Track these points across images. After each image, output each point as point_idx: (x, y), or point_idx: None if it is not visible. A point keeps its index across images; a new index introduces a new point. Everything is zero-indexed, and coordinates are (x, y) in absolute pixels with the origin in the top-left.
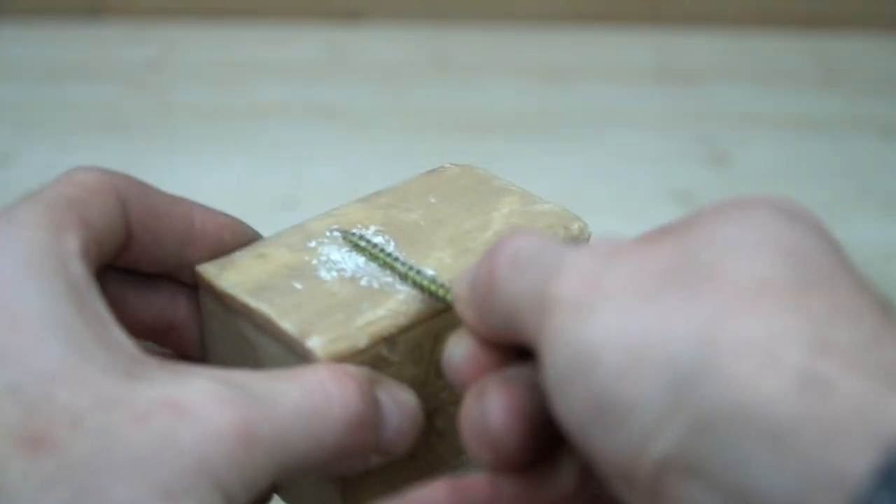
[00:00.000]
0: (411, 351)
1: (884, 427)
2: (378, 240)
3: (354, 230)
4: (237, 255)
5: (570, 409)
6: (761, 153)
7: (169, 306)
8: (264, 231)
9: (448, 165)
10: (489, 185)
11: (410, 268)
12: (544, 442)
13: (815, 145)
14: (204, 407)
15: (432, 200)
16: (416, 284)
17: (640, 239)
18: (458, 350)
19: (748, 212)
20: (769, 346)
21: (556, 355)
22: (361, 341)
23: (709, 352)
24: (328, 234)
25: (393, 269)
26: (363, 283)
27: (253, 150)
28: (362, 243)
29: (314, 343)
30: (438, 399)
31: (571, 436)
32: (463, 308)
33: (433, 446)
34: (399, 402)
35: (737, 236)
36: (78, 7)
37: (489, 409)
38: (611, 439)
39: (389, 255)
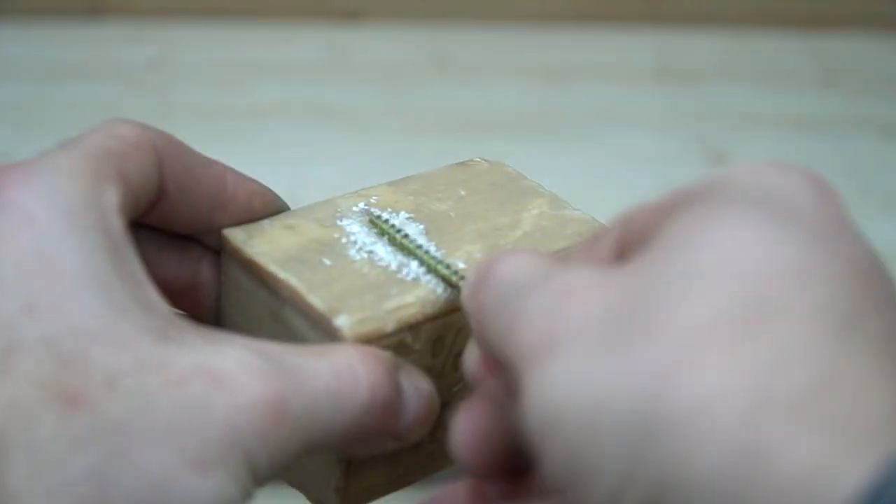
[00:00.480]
0: (433, 341)
1: (829, 494)
2: (409, 228)
3: (382, 213)
4: (265, 223)
5: (544, 464)
6: (761, 153)
7: (191, 268)
8: None
9: (477, 160)
10: (519, 184)
11: (433, 258)
12: (523, 456)
13: (815, 145)
14: (239, 376)
15: (462, 193)
16: (438, 275)
17: (595, 268)
18: (471, 354)
19: (712, 224)
20: (708, 410)
21: (531, 412)
22: (388, 325)
23: (655, 415)
24: (356, 211)
25: (416, 256)
26: (392, 267)
27: (253, 150)
28: (387, 227)
29: (342, 322)
30: (451, 392)
31: (551, 487)
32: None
33: (438, 438)
34: (419, 390)
35: (693, 264)
36: (78, 7)
37: (455, 429)
38: (582, 500)
39: (413, 241)
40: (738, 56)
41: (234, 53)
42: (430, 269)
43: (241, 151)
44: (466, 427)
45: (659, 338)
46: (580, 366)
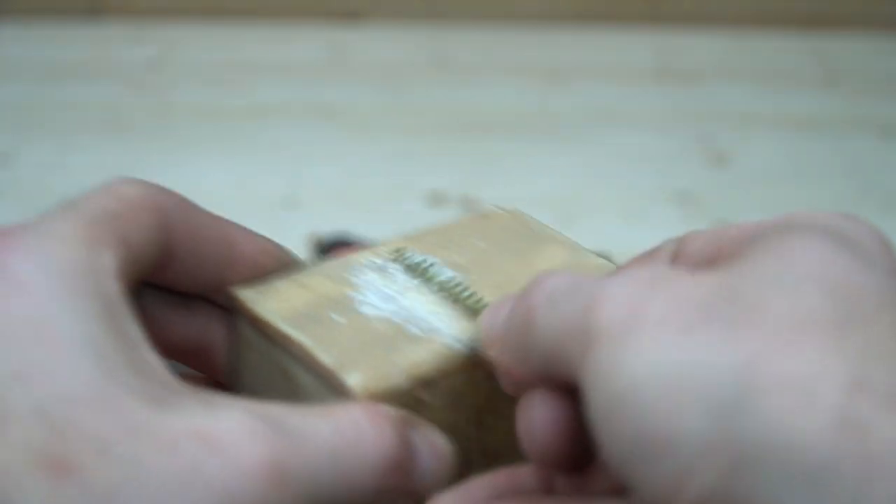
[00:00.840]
0: (450, 397)
1: None
2: (447, 273)
3: (421, 258)
4: (276, 281)
5: (611, 442)
6: (761, 153)
7: (202, 328)
8: (264, 231)
9: (495, 209)
10: (537, 234)
11: (475, 298)
12: (593, 449)
13: (815, 145)
14: (234, 440)
15: (480, 245)
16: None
17: (681, 269)
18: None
19: (796, 243)
20: (808, 384)
21: (599, 389)
22: (401, 382)
23: (749, 387)
24: (382, 263)
25: (457, 299)
26: (406, 323)
27: (253, 150)
28: (430, 269)
29: (353, 379)
30: (471, 450)
31: (613, 468)
32: (498, 353)
33: None
34: (433, 448)
35: (780, 271)
36: (78, 7)
37: (526, 416)
38: (650, 474)
39: (458, 284)
40: (738, 56)
41: (234, 53)
42: (472, 311)
43: (241, 151)
44: (538, 415)
45: (755, 322)
46: (666, 341)
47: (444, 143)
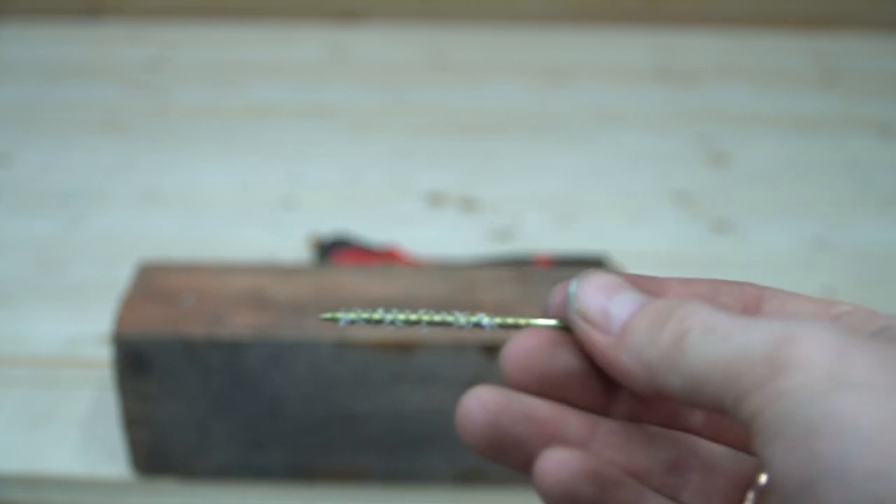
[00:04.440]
0: None
1: None
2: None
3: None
4: None
5: (798, 465)
6: (761, 153)
7: None
8: (263, 231)
9: None
10: None
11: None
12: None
13: (814, 145)
14: None
15: None
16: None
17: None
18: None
19: None
20: None
21: (795, 414)
22: None
23: None
24: None
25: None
26: None
27: (253, 150)
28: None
29: None
30: None
31: (783, 490)
32: (615, 352)
33: None
34: None
35: None
36: (78, 7)
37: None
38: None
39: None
40: (738, 56)
41: (234, 53)
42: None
43: (241, 151)
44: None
45: None
46: (882, 392)
47: (443, 143)
